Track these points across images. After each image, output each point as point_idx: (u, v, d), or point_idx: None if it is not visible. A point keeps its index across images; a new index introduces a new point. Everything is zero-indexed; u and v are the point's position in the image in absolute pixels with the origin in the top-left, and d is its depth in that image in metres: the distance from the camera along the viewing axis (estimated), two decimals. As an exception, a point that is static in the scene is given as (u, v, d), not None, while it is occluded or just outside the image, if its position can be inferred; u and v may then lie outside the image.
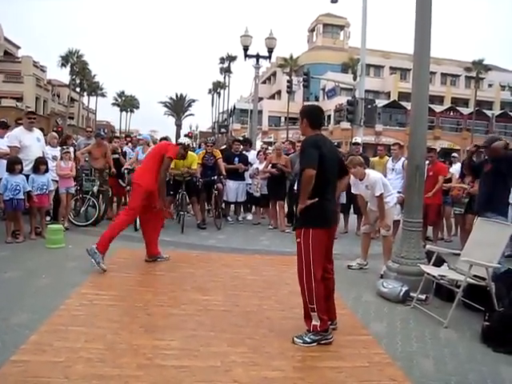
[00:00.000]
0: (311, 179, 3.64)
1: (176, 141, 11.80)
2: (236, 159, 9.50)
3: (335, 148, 4.61)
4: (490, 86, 54.86)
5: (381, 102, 40.00)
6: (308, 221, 3.76)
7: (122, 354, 3.38)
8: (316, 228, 3.74)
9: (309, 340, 3.73)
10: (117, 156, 9.41)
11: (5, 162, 7.00)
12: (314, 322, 3.73)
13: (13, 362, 3.14)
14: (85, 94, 59.79)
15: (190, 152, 8.61)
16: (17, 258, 5.95)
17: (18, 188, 6.75)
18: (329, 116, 49.77)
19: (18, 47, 52.79)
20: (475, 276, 4.46)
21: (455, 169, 9.38)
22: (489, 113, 48.73)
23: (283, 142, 11.86)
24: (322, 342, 3.73)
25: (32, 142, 7.33)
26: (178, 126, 68.29)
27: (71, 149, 8.51)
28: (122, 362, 3.25)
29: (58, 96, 54.45)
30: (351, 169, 6.25)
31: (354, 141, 9.86)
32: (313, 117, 4.03)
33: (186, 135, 13.01)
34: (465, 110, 49.11)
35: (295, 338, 3.77)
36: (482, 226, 5.00)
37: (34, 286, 4.84)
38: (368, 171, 6.21)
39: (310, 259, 3.71)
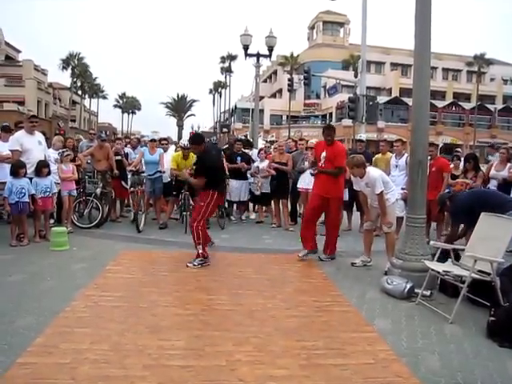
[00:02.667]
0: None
1: (178, 142, 11.80)
2: (238, 158, 9.49)
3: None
4: (492, 80, 54.64)
5: (382, 99, 40.00)
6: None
7: (128, 354, 3.39)
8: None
9: (196, 263, 5.97)
10: (119, 157, 9.41)
11: (8, 165, 7.02)
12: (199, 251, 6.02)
13: (20, 364, 3.16)
14: (86, 96, 59.96)
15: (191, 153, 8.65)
16: (21, 260, 5.97)
17: (23, 191, 6.77)
18: (330, 113, 49.85)
19: (19, 51, 52.89)
20: (480, 271, 4.45)
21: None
22: (491, 107, 48.60)
23: (285, 140, 11.85)
24: (204, 264, 6.00)
25: (33, 146, 7.34)
26: (180, 126, 68.45)
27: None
28: (127, 362, 3.26)
29: (60, 99, 54.51)
30: (350, 169, 6.28)
31: (358, 138, 9.84)
32: (197, 140, 6.37)
33: (191, 134, 12.81)
34: (467, 105, 48.94)
35: (188, 263, 5.98)
36: (486, 220, 4.98)
37: (39, 289, 4.85)
38: (368, 169, 6.17)
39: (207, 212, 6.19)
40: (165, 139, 10.12)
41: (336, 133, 6.89)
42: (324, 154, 6.66)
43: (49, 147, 8.24)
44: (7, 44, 49.91)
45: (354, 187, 6.57)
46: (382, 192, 5.89)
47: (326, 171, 6.58)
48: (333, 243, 6.82)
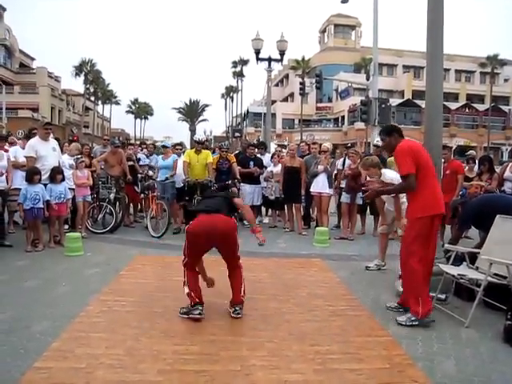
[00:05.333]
0: None
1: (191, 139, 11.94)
2: (251, 163, 9.49)
3: None
4: (505, 80, 54.12)
5: (395, 101, 39.78)
6: None
7: (143, 359, 3.40)
8: None
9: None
10: (131, 163, 9.50)
11: (22, 172, 7.12)
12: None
13: (36, 368, 3.19)
14: (99, 102, 60.56)
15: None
16: (36, 266, 6.03)
17: (38, 197, 6.86)
18: (343, 117, 49.76)
19: (33, 59, 53.80)
20: (496, 274, 4.39)
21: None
22: (505, 108, 48.14)
23: (298, 144, 11.82)
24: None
25: (48, 152, 7.42)
26: (192, 131, 68.69)
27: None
28: (142, 367, 3.27)
29: (73, 105, 55.21)
30: (365, 170, 6.23)
31: (375, 143, 9.78)
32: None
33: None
34: (480, 107, 48.53)
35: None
36: (501, 223, 4.92)
37: (54, 294, 4.90)
38: (384, 171, 6.14)
39: None
40: (179, 144, 10.22)
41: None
42: None
43: (63, 153, 8.33)
44: (21, 52, 50.77)
45: None
46: (397, 194, 5.84)
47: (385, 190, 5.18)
48: (414, 302, 4.25)
